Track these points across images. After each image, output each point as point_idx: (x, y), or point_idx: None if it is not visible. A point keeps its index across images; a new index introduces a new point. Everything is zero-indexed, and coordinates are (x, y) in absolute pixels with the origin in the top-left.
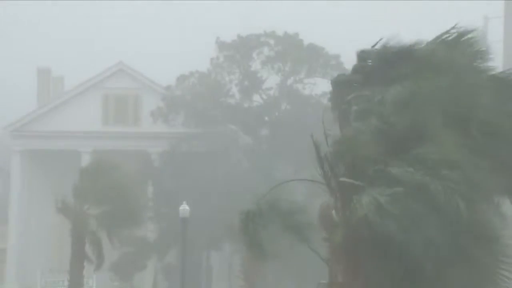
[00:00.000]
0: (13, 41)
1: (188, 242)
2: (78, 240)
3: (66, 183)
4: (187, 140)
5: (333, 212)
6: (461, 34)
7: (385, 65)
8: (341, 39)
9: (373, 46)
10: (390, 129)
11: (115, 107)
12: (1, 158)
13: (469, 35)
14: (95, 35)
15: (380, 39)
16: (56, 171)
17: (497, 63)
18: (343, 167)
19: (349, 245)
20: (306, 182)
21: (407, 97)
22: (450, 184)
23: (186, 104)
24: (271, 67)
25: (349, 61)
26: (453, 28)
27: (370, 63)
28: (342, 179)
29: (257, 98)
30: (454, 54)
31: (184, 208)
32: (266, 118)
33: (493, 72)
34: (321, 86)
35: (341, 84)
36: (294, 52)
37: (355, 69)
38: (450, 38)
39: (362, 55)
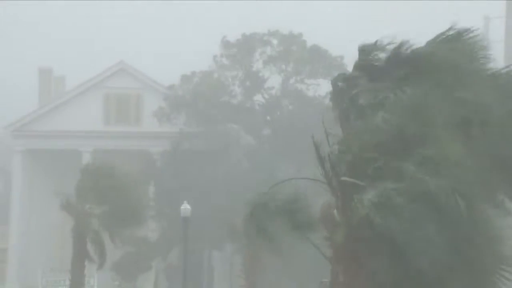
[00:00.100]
0: (13, 41)
1: (189, 242)
2: (79, 240)
3: (67, 183)
4: (188, 139)
5: (335, 211)
6: (460, 33)
7: (387, 65)
8: (341, 39)
9: (374, 44)
10: (394, 129)
11: (116, 106)
12: (2, 158)
13: (469, 34)
14: (96, 35)
15: (377, 40)
16: (57, 171)
17: (498, 63)
18: (344, 167)
19: (351, 245)
20: (308, 182)
21: (414, 101)
22: (451, 183)
23: (189, 103)
24: (273, 65)
25: (350, 62)
26: (450, 29)
27: (372, 62)
28: (343, 178)
29: (259, 98)
30: (455, 54)
31: (186, 207)
32: (268, 118)
33: (494, 71)
34: (324, 88)
35: (342, 83)
36: (296, 52)
37: (357, 66)
38: (450, 37)
39: (364, 52)
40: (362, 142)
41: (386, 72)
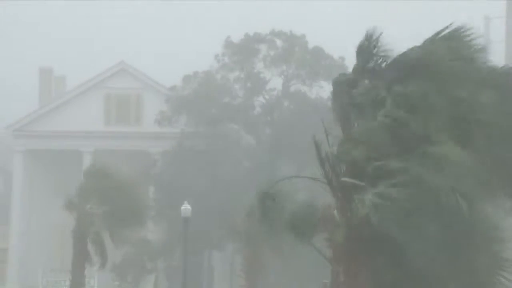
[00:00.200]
0: (13, 41)
1: (189, 242)
2: (80, 240)
3: (68, 183)
4: (189, 140)
5: (335, 212)
6: (456, 31)
7: (385, 67)
8: (341, 39)
9: (374, 45)
10: (395, 124)
11: (116, 106)
12: (3, 158)
13: (465, 32)
14: (96, 35)
15: (374, 42)
16: (57, 171)
17: (499, 63)
18: (344, 167)
19: (351, 245)
20: (308, 182)
21: (414, 101)
22: (451, 183)
23: (190, 104)
24: (274, 67)
25: (350, 62)
26: (447, 27)
27: (369, 66)
28: (343, 178)
29: (260, 99)
30: (451, 52)
31: (186, 207)
32: (269, 118)
33: (491, 69)
34: (326, 89)
35: (342, 83)
36: (298, 54)
37: (356, 70)
38: (447, 35)
39: (361, 56)
40: (362, 142)
41: (385, 73)
